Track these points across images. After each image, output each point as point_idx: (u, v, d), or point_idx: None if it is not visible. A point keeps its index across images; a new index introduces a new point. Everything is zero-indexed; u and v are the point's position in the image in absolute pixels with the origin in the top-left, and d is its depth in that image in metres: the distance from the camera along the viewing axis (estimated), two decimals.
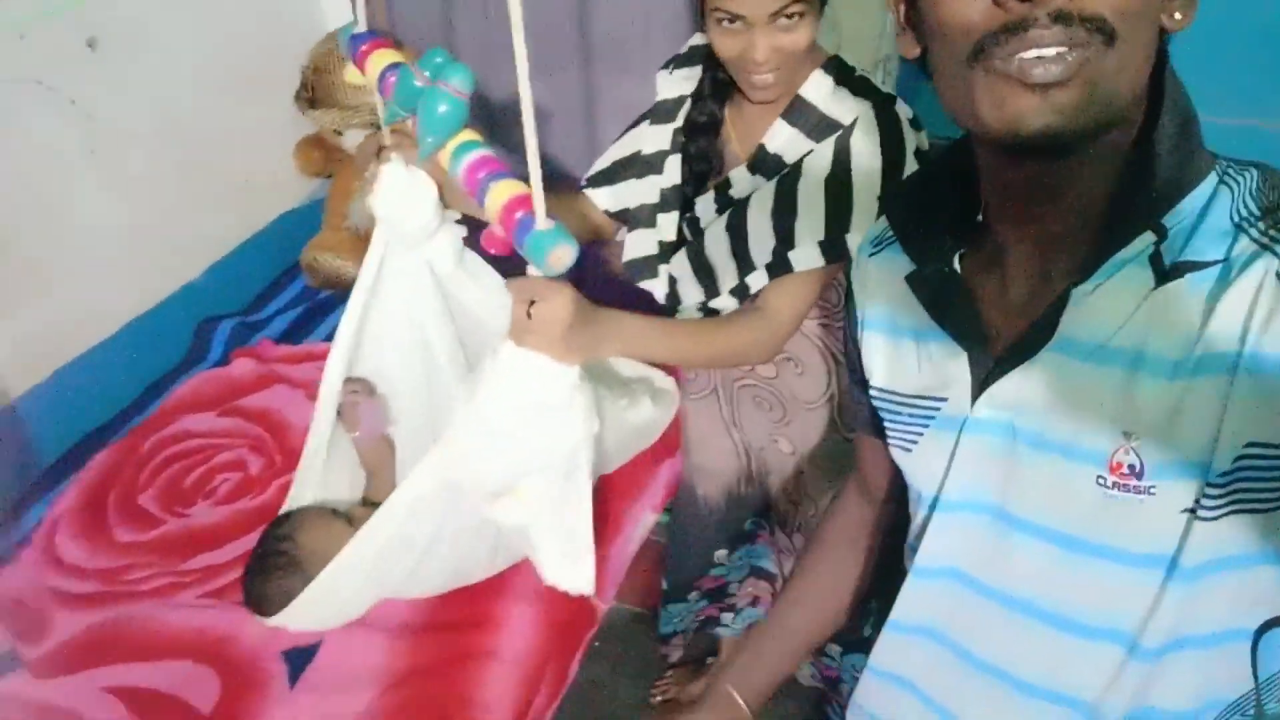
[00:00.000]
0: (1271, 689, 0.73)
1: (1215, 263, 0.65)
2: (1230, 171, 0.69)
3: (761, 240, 1.34)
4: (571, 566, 1.23)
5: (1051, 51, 0.60)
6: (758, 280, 1.37)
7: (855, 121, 1.29)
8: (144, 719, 1.47)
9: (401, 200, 1.25)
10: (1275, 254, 0.63)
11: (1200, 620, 0.70)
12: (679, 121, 1.45)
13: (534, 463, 1.14)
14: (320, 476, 1.47)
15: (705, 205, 1.44)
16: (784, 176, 1.32)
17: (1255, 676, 0.72)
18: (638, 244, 1.51)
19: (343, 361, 1.39)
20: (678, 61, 1.48)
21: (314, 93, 2.53)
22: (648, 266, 1.50)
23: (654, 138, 1.49)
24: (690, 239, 1.46)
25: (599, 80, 2.19)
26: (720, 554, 1.51)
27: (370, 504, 1.43)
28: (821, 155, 1.30)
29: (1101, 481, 0.69)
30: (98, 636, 1.61)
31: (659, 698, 1.55)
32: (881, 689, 0.94)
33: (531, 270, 1.07)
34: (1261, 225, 0.65)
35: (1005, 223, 0.77)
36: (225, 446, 2.03)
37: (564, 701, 1.56)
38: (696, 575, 1.58)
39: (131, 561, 1.78)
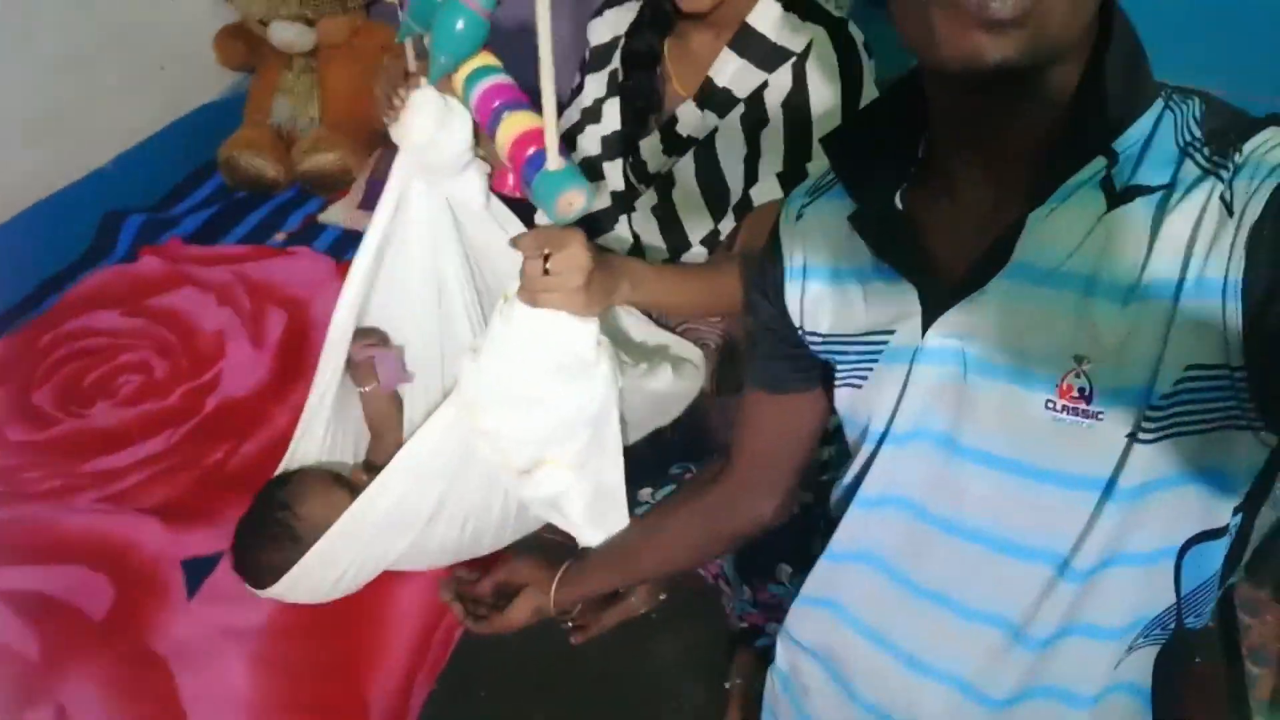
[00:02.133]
0: (1192, 603, 0.76)
1: (1162, 187, 0.66)
2: (1175, 98, 0.69)
3: (733, 185, 1.29)
4: (603, 521, 1.17)
5: None
6: (727, 224, 1.32)
7: (809, 47, 1.22)
8: (32, 623, 1.41)
9: (433, 130, 1.13)
10: (1220, 179, 0.63)
11: (1133, 540, 0.72)
12: (614, 64, 1.37)
13: (564, 429, 1.07)
14: (323, 435, 1.33)
15: (650, 147, 1.35)
16: (746, 115, 1.27)
17: (1178, 591, 0.74)
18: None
19: (355, 307, 1.24)
20: (608, 2, 1.40)
21: None
22: (605, 220, 1.41)
23: (591, 86, 1.40)
24: (636, 185, 1.38)
25: None
26: (644, 493, 1.49)
27: (373, 468, 1.31)
28: (778, 85, 1.23)
29: (1050, 405, 0.69)
30: None
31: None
32: (814, 615, 0.94)
33: (540, 220, 0.98)
34: (1206, 150, 0.65)
35: (955, 153, 0.75)
36: (129, 347, 1.95)
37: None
38: None
39: (23, 461, 1.70)
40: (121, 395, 1.84)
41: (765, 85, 1.23)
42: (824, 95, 1.21)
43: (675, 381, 1.24)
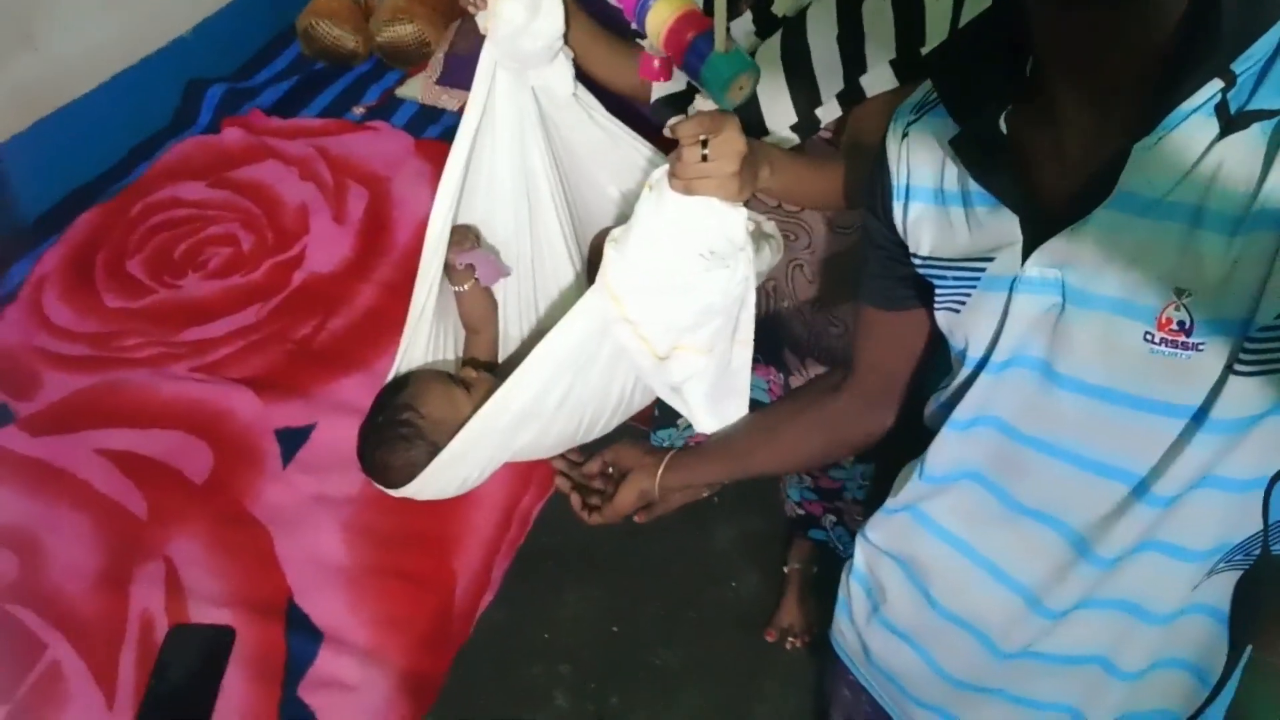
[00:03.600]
0: (1279, 532, 0.77)
1: None
2: None
3: (828, 68, 1.21)
4: (722, 409, 1.17)
5: None
6: (828, 113, 1.23)
7: None
8: (137, 482, 1.50)
9: (524, 19, 1.10)
10: None
11: (1224, 467, 0.72)
12: None
13: (708, 314, 1.06)
14: (429, 336, 1.32)
15: (741, 29, 1.28)
16: None
17: (1265, 520, 0.75)
18: (666, 84, 1.31)
19: (451, 210, 1.19)
20: None
21: None
22: (679, 105, 1.38)
23: None
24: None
25: None
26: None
27: (477, 364, 1.33)
28: None
29: (1149, 338, 0.68)
30: (89, 399, 1.63)
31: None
32: (899, 523, 0.96)
33: (700, 105, 0.95)
34: None
35: (1057, 76, 0.72)
36: (216, 219, 1.99)
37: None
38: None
39: (121, 328, 1.77)
40: (211, 268, 1.89)
41: None
42: None
43: (768, 259, 1.21)
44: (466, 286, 1.30)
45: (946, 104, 0.79)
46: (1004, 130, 0.76)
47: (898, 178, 0.88)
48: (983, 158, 0.77)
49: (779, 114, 1.26)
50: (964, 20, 1.10)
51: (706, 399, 1.15)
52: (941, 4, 1.14)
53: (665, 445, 1.52)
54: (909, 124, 0.87)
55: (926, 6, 1.14)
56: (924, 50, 1.13)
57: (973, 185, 0.78)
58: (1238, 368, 0.66)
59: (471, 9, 1.13)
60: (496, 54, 1.15)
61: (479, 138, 1.20)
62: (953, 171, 0.81)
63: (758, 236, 1.22)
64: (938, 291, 0.86)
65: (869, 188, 0.92)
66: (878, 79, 1.17)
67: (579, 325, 1.10)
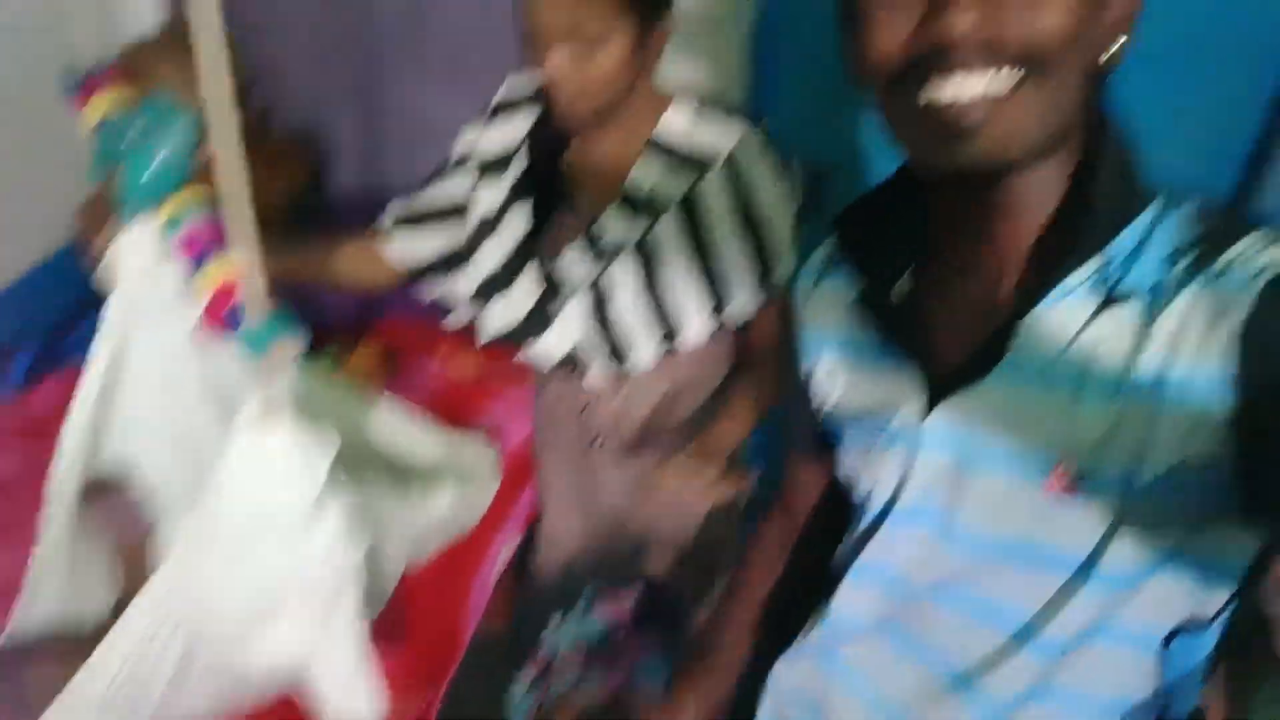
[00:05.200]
0: (1177, 692, 0.77)
1: (1154, 288, 0.68)
2: (1170, 203, 0.72)
3: (687, 294, 1.25)
4: (354, 696, 1.06)
5: (973, 87, 0.62)
6: (694, 333, 1.27)
7: (734, 152, 1.21)
8: None
9: (148, 269, 1.03)
10: (1208, 280, 0.66)
11: (1115, 623, 0.73)
12: (512, 173, 1.31)
13: (284, 587, 0.97)
14: (59, 585, 1.20)
15: (571, 255, 1.28)
16: (683, 221, 1.22)
17: (1163, 679, 0.76)
18: (498, 314, 1.33)
19: (78, 456, 1.13)
20: (495, 112, 1.35)
21: None
22: (520, 334, 1.32)
23: (487, 196, 1.32)
24: (556, 292, 1.30)
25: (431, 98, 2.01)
26: (554, 619, 1.42)
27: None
28: (713, 189, 1.21)
29: (1041, 496, 0.71)
30: None
31: None
32: (803, 668, 0.97)
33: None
34: (1196, 253, 0.67)
35: (953, 245, 0.78)
36: None
37: None
38: (530, 644, 1.42)
39: None
40: None
41: (697, 194, 1.22)
42: (769, 197, 1.20)
43: (461, 497, 1.17)
44: (109, 537, 1.21)
45: (853, 265, 0.84)
46: (905, 292, 0.81)
47: (808, 329, 0.92)
48: (885, 316, 0.81)
49: (643, 342, 1.27)
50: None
51: (334, 685, 1.05)
52: (781, 224, 1.21)
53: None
54: (819, 277, 0.91)
55: (769, 229, 1.21)
56: (774, 270, 1.21)
57: (876, 341, 0.83)
58: (1127, 524, 0.68)
59: (92, 264, 1.10)
60: (129, 300, 1.09)
61: (122, 381, 1.14)
62: (859, 327, 0.85)
63: (451, 472, 1.18)
64: (842, 444, 0.89)
65: (795, 345, 0.96)
66: (742, 301, 1.23)
67: (143, 609, 1.00)
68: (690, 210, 1.22)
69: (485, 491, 1.22)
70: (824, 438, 0.94)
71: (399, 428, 1.15)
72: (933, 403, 0.77)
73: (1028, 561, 0.74)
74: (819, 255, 0.93)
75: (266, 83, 2.03)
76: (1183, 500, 0.67)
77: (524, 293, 1.30)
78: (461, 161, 1.36)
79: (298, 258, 1.29)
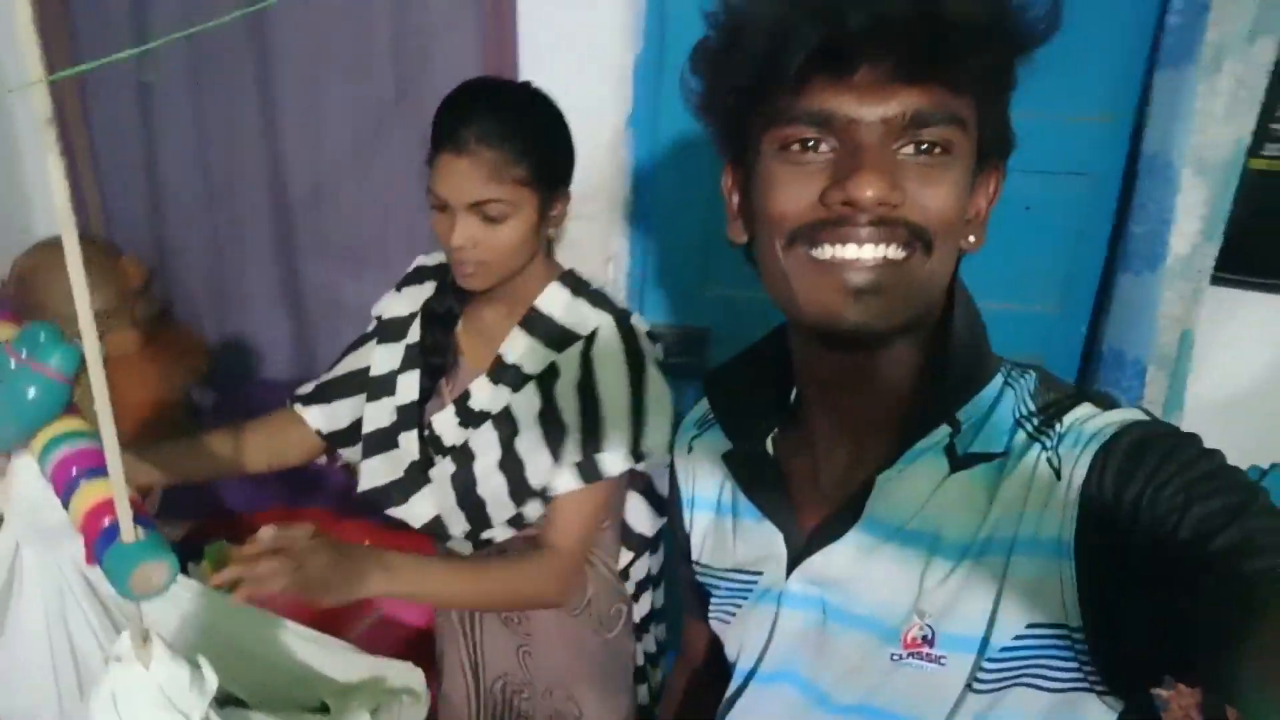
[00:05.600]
0: None
1: (999, 454, 0.71)
2: (1013, 373, 0.76)
3: (538, 467, 1.26)
4: None
5: (869, 254, 0.65)
6: (534, 509, 1.29)
7: (595, 333, 1.25)
8: None
9: (37, 497, 0.96)
10: (1045, 446, 0.69)
11: None
12: (410, 339, 1.37)
13: None
14: None
15: (444, 420, 1.32)
16: (538, 395, 1.26)
17: None
18: (378, 470, 1.36)
19: None
20: (406, 280, 1.41)
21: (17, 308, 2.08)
22: (395, 492, 1.35)
23: (384, 356, 1.38)
24: (431, 457, 1.35)
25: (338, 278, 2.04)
26: None
27: None
28: (567, 369, 1.25)
29: (896, 658, 0.72)
30: None
31: None
32: None
33: None
34: (1037, 421, 0.71)
35: (816, 408, 0.80)
36: None
37: None
38: None
39: None
40: None
41: (554, 367, 1.25)
42: (613, 383, 1.23)
43: None
44: None
45: (721, 424, 0.87)
46: (771, 451, 0.84)
47: (685, 489, 0.95)
48: (752, 475, 0.84)
49: (500, 511, 1.29)
50: (649, 432, 1.22)
51: None
52: (618, 411, 1.22)
53: None
54: (693, 437, 0.95)
55: (605, 414, 1.22)
56: (600, 455, 1.21)
57: (744, 499, 0.85)
58: (976, 686, 0.69)
59: None
60: (18, 531, 1.02)
61: (10, 619, 1.05)
62: (729, 484, 0.88)
63: (369, 699, 1.06)
64: (713, 601, 0.91)
65: (670, 502, 0.99)
66: (564, 481, 1.23)
67: None
68: (544, 385, 1.25)
69: (415, 713, 1.11)
70: (705, 595, 0.94)
71: (309, 648, 1.05)
72: (795, 562, 0.79)
73: None
74: (694, 415, 0.96)
75: (170, 276, 2.08)
76: (1037, 666, 0.67)
77: (402, 454, 1.34)
78: (371, 330, 1.41)
79: (213, 446, 1.31)
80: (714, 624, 0.91)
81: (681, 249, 1.69)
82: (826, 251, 0.66)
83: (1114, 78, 1.56)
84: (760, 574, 0.83)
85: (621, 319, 1.26)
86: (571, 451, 1.22)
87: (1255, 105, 1.45)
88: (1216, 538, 0.56)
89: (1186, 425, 1.61)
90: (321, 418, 1.40)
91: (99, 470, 0.82)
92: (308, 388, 1.43)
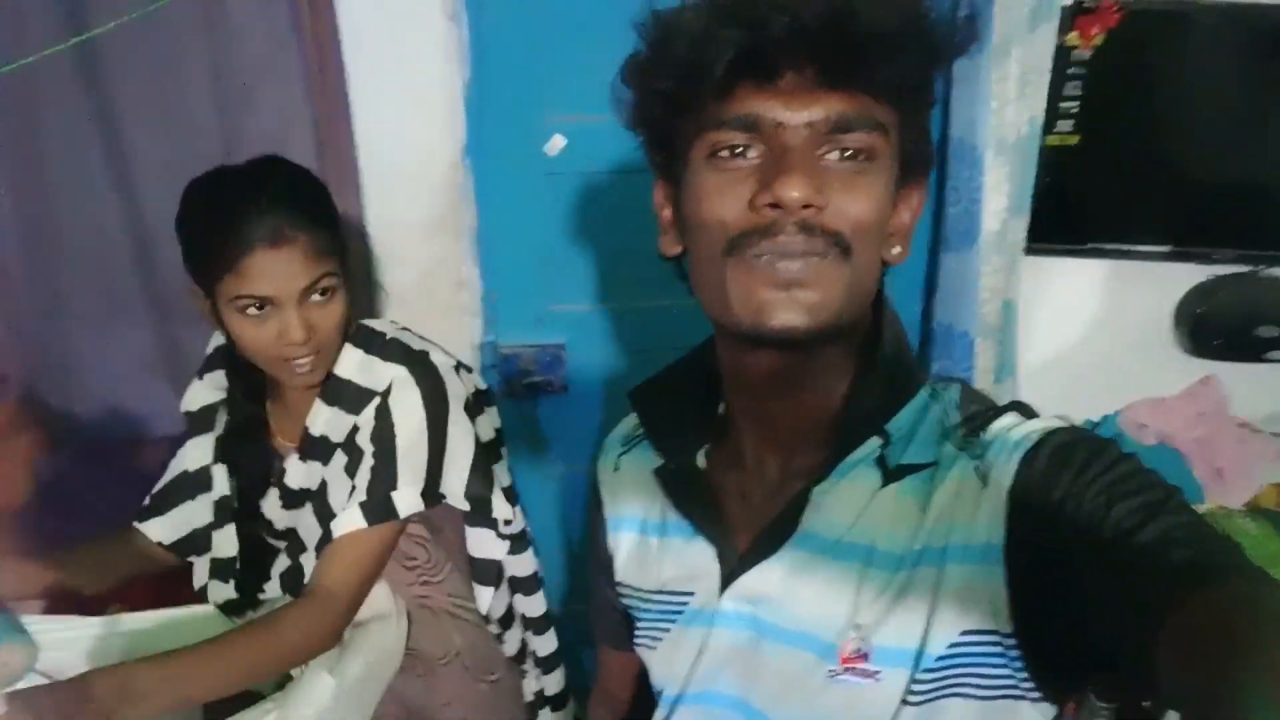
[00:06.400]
0: None
1: (928, 465, 0.72)
2: (937, 387, 0.77)
3: (309, 522, 1.22)
4: None
5: (796, 254, 0.66)
6: (309, 560, 1.23)
7: (390, 386, 1.20)
8: None
9: None
10: (971, 455, 0.71)
11: None
12: (219, 429, 1.31)
13: None
14: None
15: (271, 505, 1.28)
16: (347, 461, 1.21)
17: None
18: (201, 570, 1.33)
19: None
20: (207, 365, 1.34)
21: None
22: (228, 584, 1.30)
23: (195, 451, 1.32)
24: (265, 546, 1.31)
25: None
26: None
27: None
28: (365, 424, 1.20)
29: (833, 672, 0.72)
30: None
31: None
32: None
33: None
34: (962, 432, 0.73)
35: (746, 418, 0.81)
36: None
37: None
38: None
39: None
40: None
41: (355, 428, 1.21)
42: (408, 425, 1.19)
43: (371, 652, 1.13)
44: None
45: (650, 438, 0.86)
46: (702, 466, 0.83)
47: (609, 509, 0.93)
48: (684, 491, 0.83)
49: None
50: (449, 472, 1.19)
51: None
52: (414, 449, 1.18)
53: None
54: (620, 455, 0.93)
55: (399, 453, 1.18)
56: (395, 493, 1.16)
57: (674, 516, 0.84)
58: (909, 699, 0.70)
59: None
60: None
61: None
62: (657, 503, 0.86)
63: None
64: (639, 624, 0.89)
65: (589, 524, 0.97)
66: (347, 520, 1.17)
67: None
68: (348, 449, 1.22)
69: (397, 634, 1.18)
70: (626, 625, 0.93)
71: None
72: (728, 580, 0.78)
73: None
74: (619, 432, 0.94)
75: None
76: (969, 674, 0.68)
77: (222, 550, 1.30)
78: (187, 427, 1.35)
79: (63, 564, 1.25)
80: (640, 650, 0.89)
81: (531, 269, 1.71)
82: (759, 254, 0.67)
83: None
84: (691, 594, 0.82)
85: (417, 363, 1.22)
86: (360, 492, 1.17)
87: (1043, 87, 1.56)
88: (1138, 534, 0.58)
89: (1021, 389, 1.77)
90: (160, 529, 1.34)
91: None
92: (146, 501, 1.36)
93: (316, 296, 1.13)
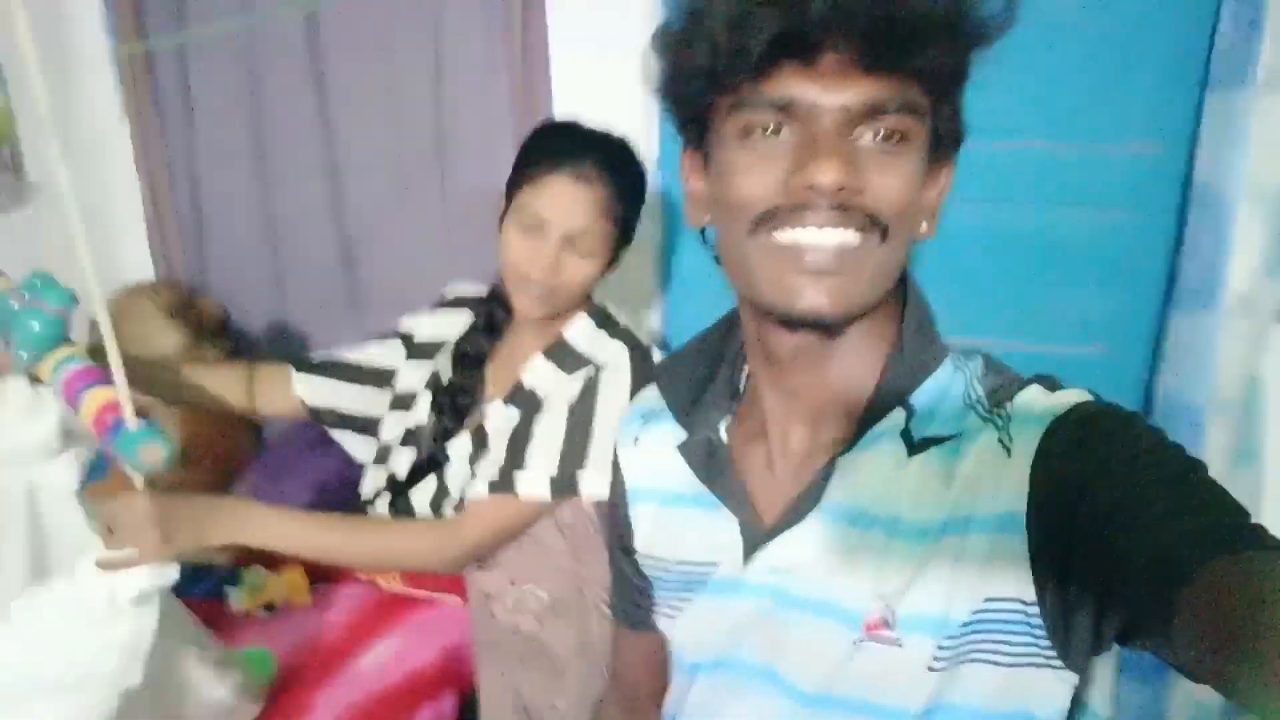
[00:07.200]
0: None
1: (952, 436, 0.73)
2: (960, 358, 0.78)
3: (494, 459, 1.27)
4: None
5: (828, 237, 0.66)
6: (476, 493, 1.27)
7: (607, 363, 1.25)
8: None
9: (18, 419, 1.14)
10: (996, 426, 0.71)
11: None
12: (435, 363, 1.40)
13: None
14: None
15: (459, 446, 1.34)
16: (539, 411, 1.27)
17: None
18: (377, 479, 1.43)
19: None
20: (441, 304, 1.44)
21: None
22: (393, 503, 1.40)
23: (409, 375, 1.42)
24: (422, 476, 1.37)
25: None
26: None
27: None
28: (570, 387, 1.25)
29: (858, 642, 0.72)
30: None
31: None
32: None
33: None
34: (986, 403, 0.73)
35: (770, 391, 0.81)
36: None
37: None
38: None
39: None
40: None
41: (562, 389, 1.25)
42: (609, 408, 1.21)
43: (234, 699, 1.17)
44: None
45: (673, 412, 0.87)
46: (725, 439, 0.84)
47: (630, 481, 0.94)
48: (708, 463, 0.84)
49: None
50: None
51: None
52: (609, 434, 1.14)
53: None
54: (639, 430, 0.94)
55: (594, 432, 1.21)
56: (581, 472, 1.20)
57: (696, 489, 0.84)
58: (933, 665, 0.70)
59: None
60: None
61: None
62: (681, 475, 0.86)
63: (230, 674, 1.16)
64: (659, 595, 0.90)
65: (611, 500, 0.98)
66: (532, 483, 1.23)
67: None
68: (549, 408, 1.26)
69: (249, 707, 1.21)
70: (645, 602, 0.94)
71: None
72: (753, 550, 0.79)
73: (850, 711, 0.74)
74: (639, 407, 0.95)
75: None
76: (992, 641, 0.68)
77: (396, 470, 1.38)
78: (395, 336, 1.45)
79: (210, 378, 1.38)
80: (661, 619, 0.90)
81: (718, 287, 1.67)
82: (787, 235, 0.67)
83: (1162, 103, 1.46)
84: (714, 564, 0.83)
85: (639, 352, 1.26)
86: (550, 461, 1.23)
87: None
88: (1159, 503, 0.58)
89: (1266, 480, 1.52)
90: (305, 387, 1.44)
91: (96, 382, 1.06)
92: (310, 356, 1.48)
93: (577, 246, 1.19)
